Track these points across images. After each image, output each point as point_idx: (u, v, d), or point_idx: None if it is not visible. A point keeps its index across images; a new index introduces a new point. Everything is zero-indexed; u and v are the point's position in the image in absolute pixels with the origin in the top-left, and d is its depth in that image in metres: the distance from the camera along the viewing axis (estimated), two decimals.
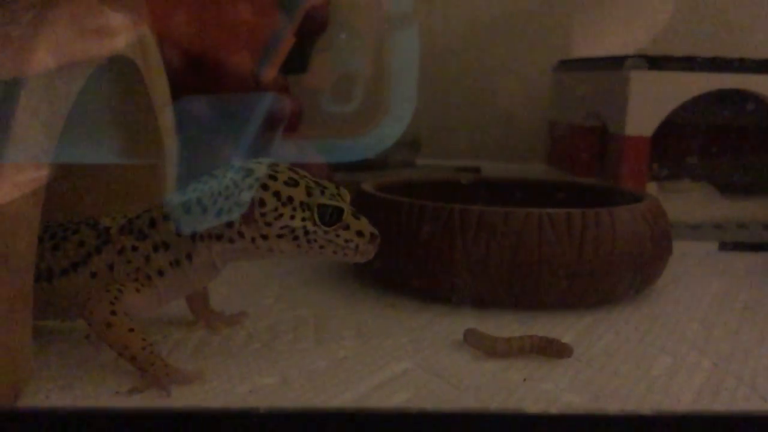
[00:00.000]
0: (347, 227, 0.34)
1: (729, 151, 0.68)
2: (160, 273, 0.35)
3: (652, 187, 0.65)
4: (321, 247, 0.34)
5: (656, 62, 0.62)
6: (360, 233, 0.34)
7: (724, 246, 0.63)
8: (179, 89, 0.53)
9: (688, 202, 0.66)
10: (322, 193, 0.34)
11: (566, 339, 0.40)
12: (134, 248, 0.35)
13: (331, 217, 0.34)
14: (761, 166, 0.67)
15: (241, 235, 0.34)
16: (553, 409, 0.28)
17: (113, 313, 0.33)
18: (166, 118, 0.51)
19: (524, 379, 0.35)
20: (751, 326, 0.43)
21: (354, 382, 0.34)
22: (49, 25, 0.32)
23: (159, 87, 0.49)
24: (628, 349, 0.39)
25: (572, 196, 0.56)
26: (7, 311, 0.28)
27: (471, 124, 0.90)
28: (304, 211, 0.34)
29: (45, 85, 0.31)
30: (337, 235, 0.34)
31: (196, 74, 0.61)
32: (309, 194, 0.34)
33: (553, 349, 0.37)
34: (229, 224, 0.34)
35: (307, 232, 0.34)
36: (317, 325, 0.42)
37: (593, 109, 0.70)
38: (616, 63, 0.64)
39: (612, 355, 0.38)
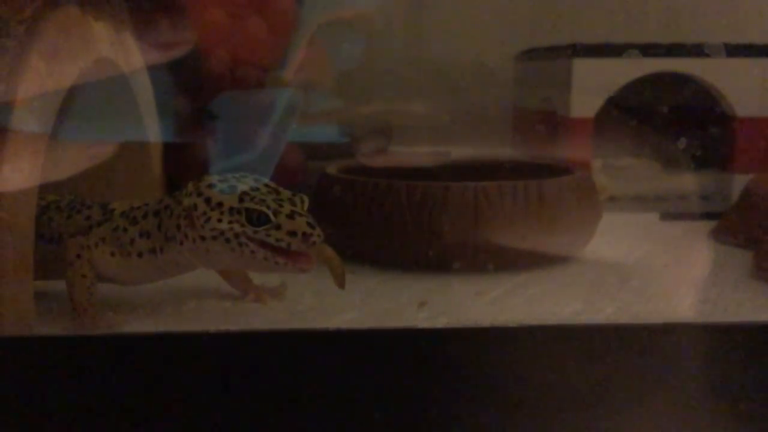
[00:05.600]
0: (278, 227, 0.37)
1: (669, 129, 0.74)
2: (139, 255, 0.42)
3: (597, 164, 0.71)
4: (252, 252, 0.38)
5: (596, 49, 0.68)
6: (292, 233, 0.37)
7: (665, 216, 0.69)
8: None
9: (631, 177, 0.72)
10: (253, 199, 0.38)
11: (497, 293, 0.47)
12: (125, 230, 0.42)
13: (258, 219, 0.38)
14: (699, 143, 0.73)
15: (185, 236, 0.39)
16: None
17: (78, 256, 0.41)
18: (150, 117, 0.57)
19: (447, 323, 0.41)
20: (663, 280, 0.50)
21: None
22: (39, 35, 0.38)
23: (142, 87, 0.55)
24: (545, 299, 0.45)
25: (523, 173, 0.62)
26: (14, 270, 0.35)
27: (442, 111, 0.96)
28: (232, 215, 0.38)
29: (38, 84, 0.37)
30: (268, 235, 0.37)
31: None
32: (241, 200, 0.38)
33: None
34: (178, 227, 0.40)
35: (237, 235, 0.38)
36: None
37: (546, 95, 0.76)
38: (562, 51, 0.71)
39: (531, 304, 0.44)
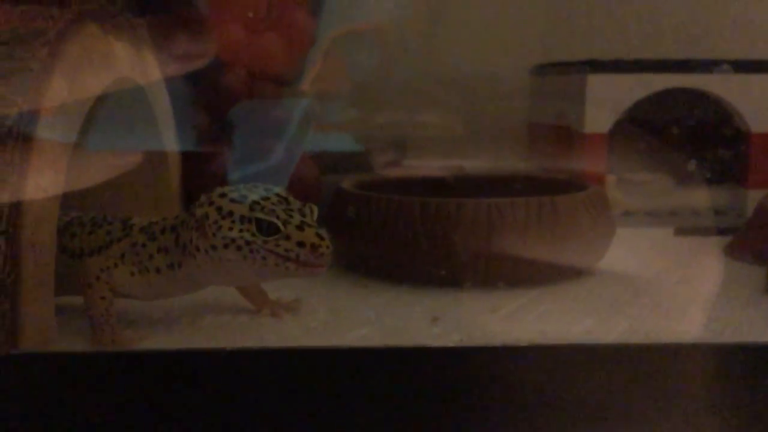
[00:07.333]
0: (287, 238, 0.38)
1: (683, 144, 0.74)
2: (158, 270, 0.42)
3: (611, 180, 0.71)
4: (263, 258, 0.38)
5: (610, 65, 0.68)
6: (301, 243, 0.38)
7: (679, 231, 0.69)
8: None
9: (645, 192, 0.72)
10: (263, 209, 0.39)
11: (510, 309, 0.47)
12: (143, 245, 0.43)
13: (268, 228, 0.38)
14: (713, 158, 0.73)
15: (197, 248, 0.40)
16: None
17: (97, 278, 0.41)
18: (168, 131, 0.58)
19: (461, 339, 0.42)
20: (676, 297, 0.50)
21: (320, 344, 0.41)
22: (61, 56, 0.39)
23: (160, 102, 0.56)
24: (558, 315, 0.46)
25: (537, 188, 0.62)
26: (35, 285, 0.35)
27: (457, 126, 0.96)
28: (243, 223, 0.38)
29: (60, 104, 0.38)
30: (277, 245, 0.38)
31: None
32: (251, 209, 0.39)
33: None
34: (191, 240, 0.41)
35: (248, 243, 0.38)
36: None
37: (561, 110, 0.77)
38: (576, 67, 0.71)
39: (543, 320, 0.45)
